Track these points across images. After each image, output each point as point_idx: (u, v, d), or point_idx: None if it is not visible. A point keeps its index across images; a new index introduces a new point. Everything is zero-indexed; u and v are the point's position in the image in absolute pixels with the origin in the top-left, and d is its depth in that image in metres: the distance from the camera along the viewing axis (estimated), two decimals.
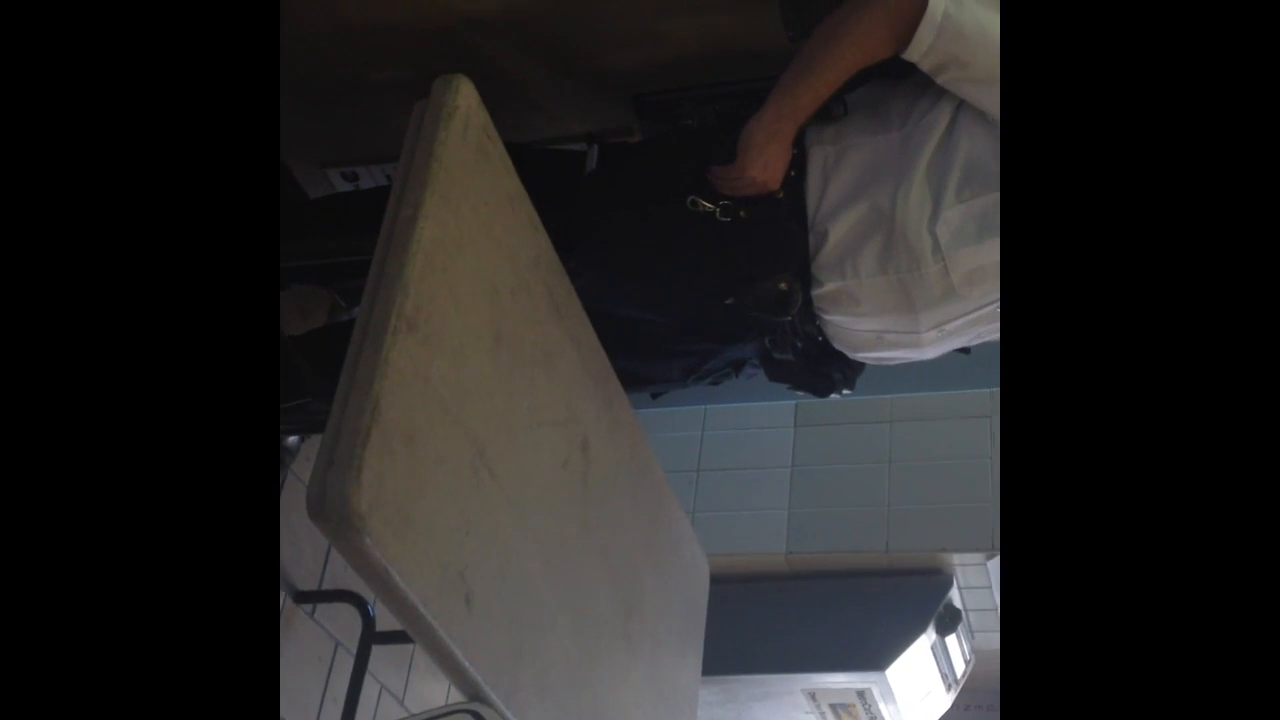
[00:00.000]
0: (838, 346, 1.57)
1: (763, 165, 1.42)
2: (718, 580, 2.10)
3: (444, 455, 1.12)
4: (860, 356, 1.59)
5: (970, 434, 2.93)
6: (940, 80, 1.38)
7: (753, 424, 3.10)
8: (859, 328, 1.51)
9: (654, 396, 1.74)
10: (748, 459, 3.05)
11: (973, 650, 3.22)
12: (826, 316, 1.51)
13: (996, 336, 1.54)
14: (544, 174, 1.45)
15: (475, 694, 1.18)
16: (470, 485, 1.16)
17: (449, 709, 1.20)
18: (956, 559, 2.98)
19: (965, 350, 1.63)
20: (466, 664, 1.15)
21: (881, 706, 2.98)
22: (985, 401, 2.95)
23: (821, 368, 1.59)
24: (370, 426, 1.02)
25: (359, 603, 2.26)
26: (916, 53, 1.35)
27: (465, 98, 1.24)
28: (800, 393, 1.64)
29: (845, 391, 1.63)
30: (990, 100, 1.35)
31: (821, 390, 1.61)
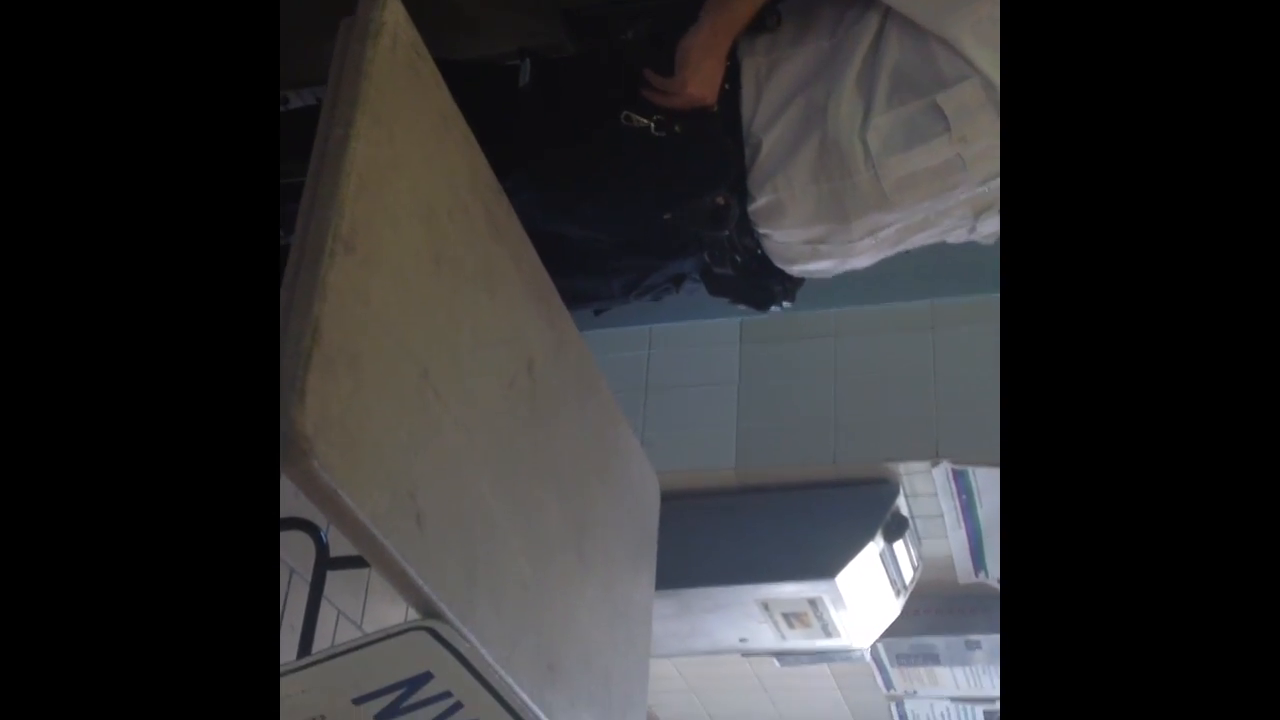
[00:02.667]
0: (775, 262, 1.58)
1: (700, 80, 1.42)
2: (668, 496, 2.12)
3: (388, 377, 1.12)
4: (796, 270, 1.61)
5: (913, 346, 2.96)
6: None
7: (699, 341, 3.11)
8: (793, 239, 1.52)
9: (596, 313, 1.74)
10: (695, 377, 3.07)
11: (920, 556, 3.28)
12: (762, 230, 1.51)
13: (927, 243, 1.56)
14: (477, 91, 1.43)
15: (432, 611, 1.19)
16: (416, 406, 1.16)
17: (407, 626, 1.21)
18: (903, 468, 3.03)
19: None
20: (421, 583, 1.15)
21: (833, 613, 3.04)
22: (925, 313, 2.98)
23: (761, 281, 1.60)
24: (311, 349, 1.01)
25: (311, 529, 2.25)
26: None
27: (392, 13, 1.21)
28: (742, 307, 1.66)
29: (786, 304, 1.64)
30: (916, 6, 1.35)
31: (762, 303, 1.62)
